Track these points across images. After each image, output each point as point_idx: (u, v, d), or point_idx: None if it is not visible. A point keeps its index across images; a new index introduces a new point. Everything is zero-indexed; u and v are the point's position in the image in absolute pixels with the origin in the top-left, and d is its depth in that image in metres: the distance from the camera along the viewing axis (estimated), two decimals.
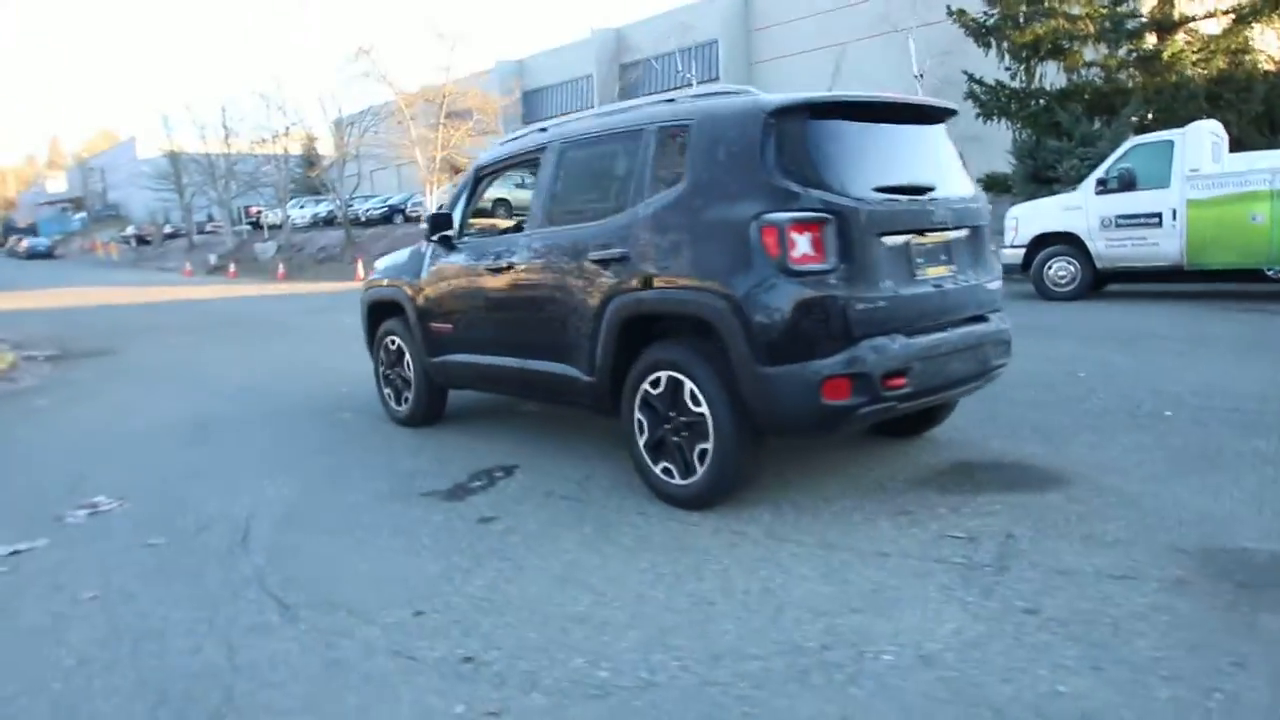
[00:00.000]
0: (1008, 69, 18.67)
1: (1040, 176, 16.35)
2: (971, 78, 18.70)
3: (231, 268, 32.47)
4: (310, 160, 41.25)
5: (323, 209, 37.74)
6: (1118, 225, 10.50)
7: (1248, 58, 15.09)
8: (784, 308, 3.37)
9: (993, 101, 17.93)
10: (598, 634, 2.75)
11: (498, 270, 4.66)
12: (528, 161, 4.81)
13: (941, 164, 4.02)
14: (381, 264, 6.11)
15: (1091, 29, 16.63)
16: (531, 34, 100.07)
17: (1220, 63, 15.01)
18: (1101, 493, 3.75)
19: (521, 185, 5.74)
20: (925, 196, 3.76)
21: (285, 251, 32.98)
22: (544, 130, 4.74)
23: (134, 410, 6.92)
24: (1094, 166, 14.95)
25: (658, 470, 3.89)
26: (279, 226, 36.41)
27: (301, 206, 38.76)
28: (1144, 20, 16.07)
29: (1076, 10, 16.65)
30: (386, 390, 5.88)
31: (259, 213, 40.45)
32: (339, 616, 2.97)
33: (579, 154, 4.40)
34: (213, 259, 36.52)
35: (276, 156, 35.09)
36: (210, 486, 4.62)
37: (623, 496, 4.05)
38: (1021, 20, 17.37)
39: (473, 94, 26.53)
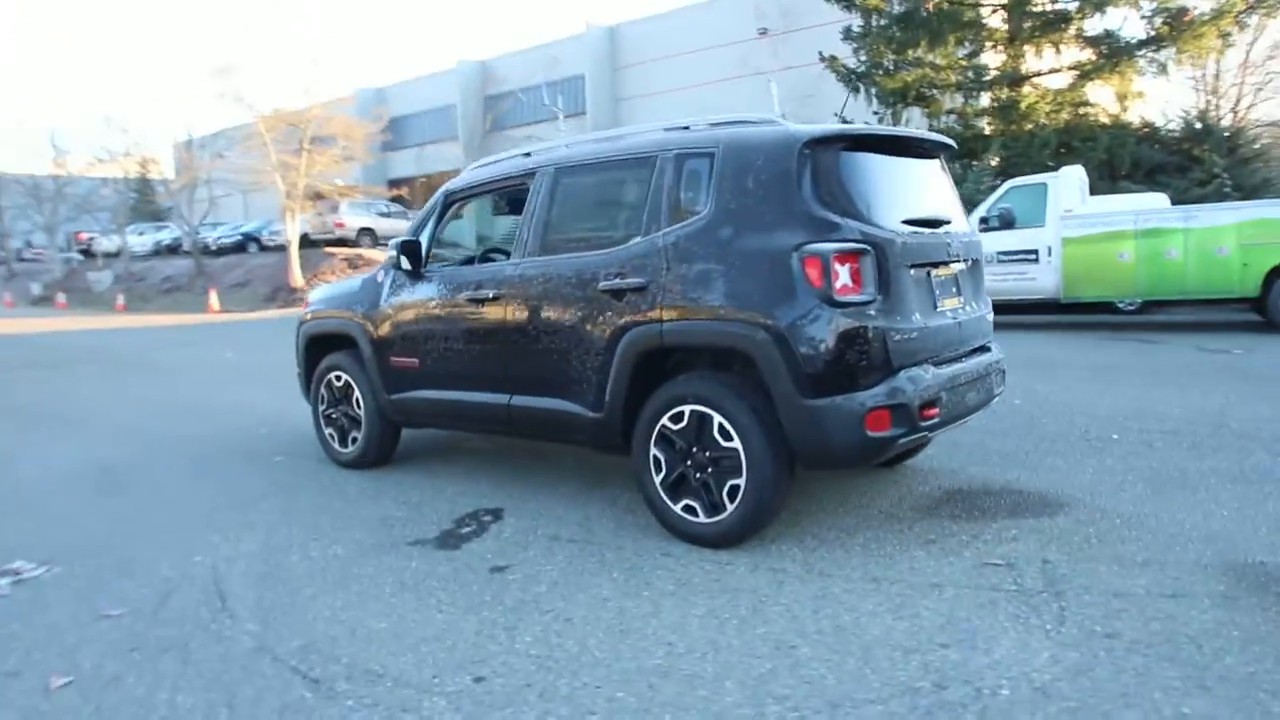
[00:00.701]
0: (875, 113, 19.79)
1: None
2: (844, 120, 19.66)
3: (60, 298, 29.64)
4: (150, 184, 38.41)
5: (165, 236, 35.15)
6: (999, 260, 11.21)
7: (1090, 110, 16.62)
8: (829, 339, 3.32)
9: None
10: (691, 688, 2.56)
11: (479, 301, 4.39)
12: (510, 188, 4.58)
13: (947, 197, 4.12)
14: (321, 293, 5.66)
15: (953, 79, 17.88)
16: (388, 63, 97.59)
17: (1066, 114, 16.46)
18: (1103, 515, 3.89)
19: (499, 212, 5.44)
20: (941, 229, 3.83)
21: (124, 281, 30.45)
22: (528, 155, 4.53)
23: (15, 458, 6.07)
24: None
25: (677, 509, 3.73)
26: (116, 254, 33.59)
27: (141, 233, 35.95)
28: (995, 73, 17.43)
29: (940, 61, 17.87)
30: (328, 431, 5.42)
31: (90, 239, 37.18)
32: (387, 688, 2.64)
33: (577, 180, 4.22)
34: (36, 288, 33.25)
35: (114, 180, 32.43)
36: (150, 543, 4.08)
37: (635, 537, 3.86)
38: (890, 68, 18.45)
39: (339, 119, 25.49)
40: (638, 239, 3.85)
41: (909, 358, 3.48)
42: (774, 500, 3.54)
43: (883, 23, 18.94)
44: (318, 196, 25.89)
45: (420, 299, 4.73)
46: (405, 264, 4.70)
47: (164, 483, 5.24)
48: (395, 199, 32.31)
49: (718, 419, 3.55)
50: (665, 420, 3.72)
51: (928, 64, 17.84)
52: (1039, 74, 17.90)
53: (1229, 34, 15.04)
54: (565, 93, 37.65)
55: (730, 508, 3.57)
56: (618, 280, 3.82)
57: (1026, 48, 17.03)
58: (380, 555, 3.80)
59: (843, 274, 3.33)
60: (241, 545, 4.01)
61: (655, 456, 3.77)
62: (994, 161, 16.28)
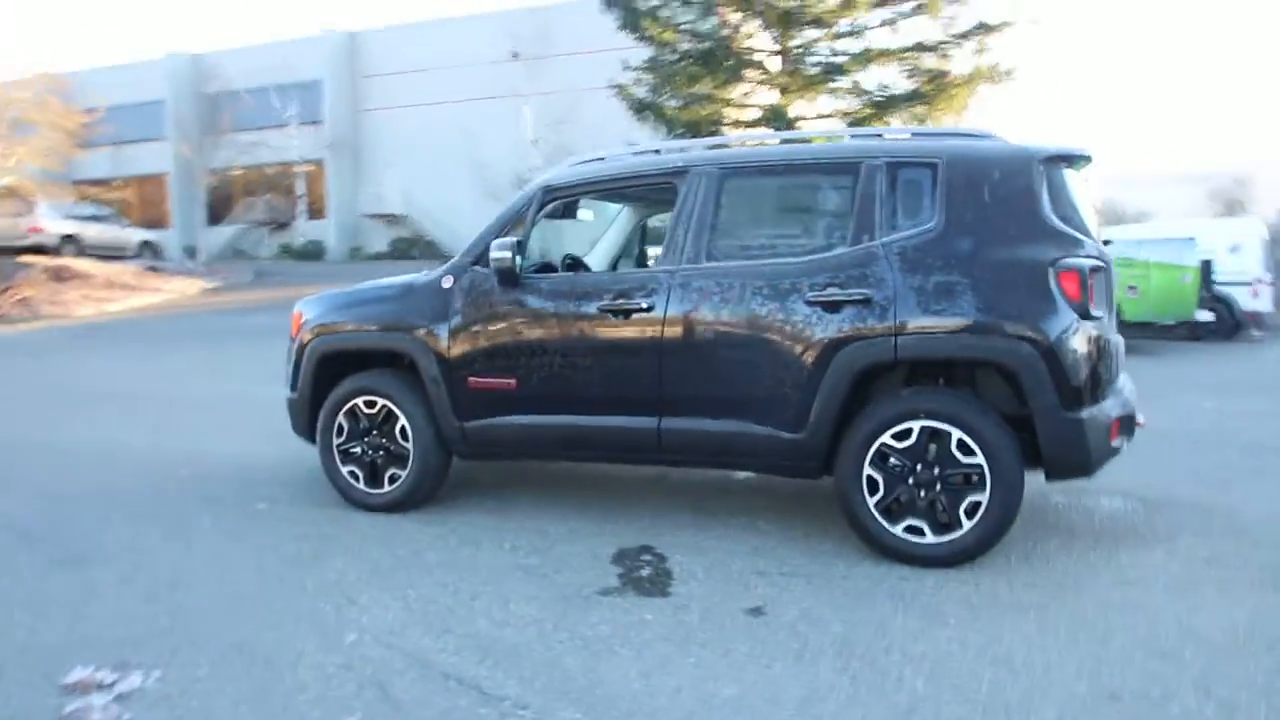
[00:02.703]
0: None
1: None
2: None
3: None
4: None
5: None
6: None
7: None
8: (1088, 352, 3.38)
9: None
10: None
11: (622, 312, 3.89)
12: (644, 186, 4.11)
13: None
14: (324, 304, 4.66)
15: (742, 117, 19.09)
16: (80, 46, 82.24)
17: None
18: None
19: (621, 213, 4.85)
20: (1106, 245, 4.05)
21: None
22: (662, 154, 4.11)
23: None
24: None
25: (897, 531, 3.55)
26: None
27: None
28: (773, 115, 18.88)
29: (730, 98, 19.01)
30: (348, 469, 4.47)
31: None
32: None
33: (751, 183, 3.89)
34: None
35: None
36: (248, 623, 3.10)
37: (849, 562, 3.60)
38: (683, 101, 19.24)
39: (52, 102, 21.42)
40: (843, 248, 3.65)
41: (1119, 371, 3.64)
42: (1015, 514, 3.50)
43: (673, 57, 19.71)
44: (10, 192, 21.49)
45: (521, 309, 4.09)
46: (503, 269, 4.04)
47: (156, 546, 4.01)
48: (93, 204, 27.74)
49: (957, 434, 3.45)
50: (886, 439, 3.54)
51: (721, 100, 18.85)
52: (806, 118, 19.64)
53: (973, 94, 17.58)
54: (301, 98, 34.87)
55: (967, 525, 3.46)
56: (834, 292, 3.57)
57: (808, 93, 18.61)
58: (586, 610, 3.20)
59: (1095, 289, 3.41)
60: (384, 615, 3.18)
61: (870, 477, 3.57)
62: None
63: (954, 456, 3.46)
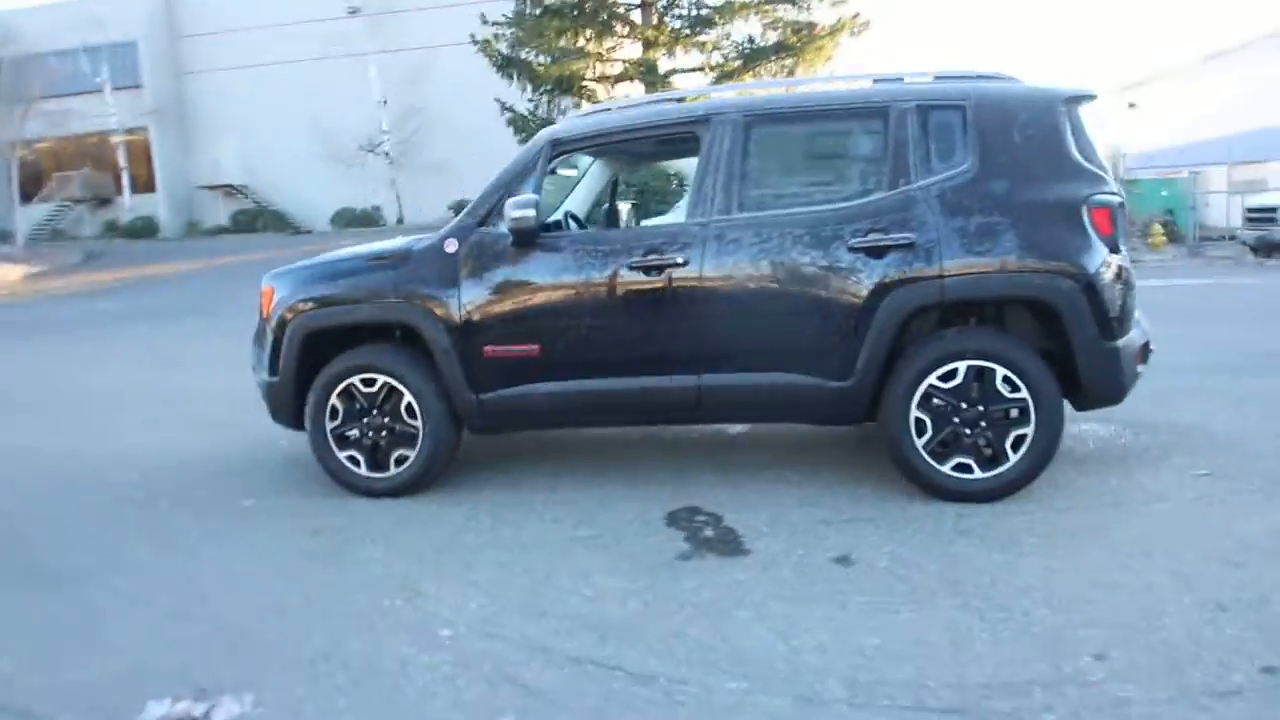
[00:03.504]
0: (530, 100, 20.02)
1: None
2: (504, 106, 19.61)
3: None
4: None
5: None
6: None
7: None
8: (1120, 284, 3.54)
9: (530, 132, 19.06)
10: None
11: (654, 268, 3.73)
12: (663, 137, 3.93)
13: None
14: (302, 275, 4.22)
15: (610, 71, 18.85)
16: None
17: None
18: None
19: (632, 165, 4.57)
20: None
21: None
22: (683, 100, 3.94)
23: None
24: (640, 192, 17.10)
25: (946, 469, 3.63)
26: None
27: None
28: (651, 69, 18.78)
29: (600, 52, 18.73)
30: (345, 454, 4.12)
31: None
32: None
33: (778, 130, 3.79)
34: None
35: None
36: (336, 632, 2.81)
37: (898, 504, 3.65)
38: (553, 57, 18.80)
39: None
40: (880, 193, 3.64)
41: None
42: (1058, 445, 3.64)
43: (538, 10, 19.17)
44: None
45: (540, 270, 3.86)
46: (523, 229, 3.79)
47: (148, 560, 3.55)
48: None
49: (1001, 371, 3.54)
50: (932, 380, 3.60)
51: (592, 54, 18.55)
52: (678, 71, 19.67)
53: (838, 45, 18.13)
54: (113, 61, 31.70)
55: (1014, 458, 3.58)
56: (877, 237, 3.57)
57: (676, 47, 18.60)
58: (675, 577, 3.09)
59: (1121, 224, 3.57)
60: (465, 604, 2.96)
61: (918, 419, 3.63)
62: None
63: (999, 393, 3.55)
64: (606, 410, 3.99)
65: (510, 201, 3.78)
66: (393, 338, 4.21)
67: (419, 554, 3.44)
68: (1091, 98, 3.81)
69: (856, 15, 18.45)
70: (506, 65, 19.64)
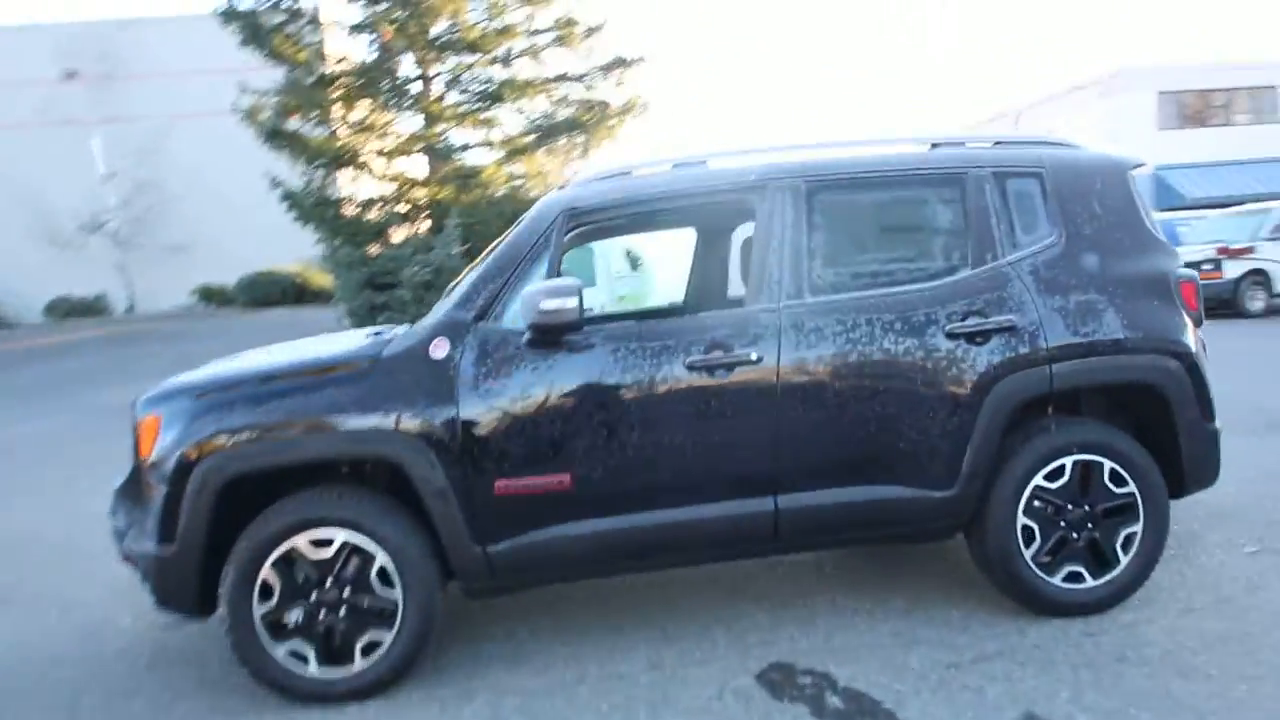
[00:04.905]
0: (304, 174, 18.32)
1: (376, 283, 16.54)
2: (276, 182, 17.79)
3: None
4: None
5: None
6: None
7: (527, 184, 18.18)
8: (1206, 362, 3.30)
9: (306, 209, 17.38)
10: None
11: (719, 367, 2.98)
12: (703, 206, 3.19)
13: None
14: (222, 394, 2.97)
15: (391, 145, 17.72)
16: None
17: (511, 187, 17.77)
18: None
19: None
20: None
21: None
22: (703, 164, 3.26)
23: None
24: (436, 272, 16.08)
25: (1057, 581, 3.16)
26: None
27: None
28: (441, 142, 17.85)
29: (377, 123, 17.55)
30: (284, 648, 2.91)
31: None
32: None
33: (846, 198, 3.20)
34: None
35: None
36: None
37: (1014, 628, 3.11)
38: (328, 129, 17.35)
39: None
40: (966, 269, 3.18)
41: None
42: (1166, 540, 3.28)
43: (309, 79, 17.69)
44: None
45: (569, 375, 2.96)
46: (558, 324, 2.89)
47: None
48: None
49: (1108, 465, 3.16)
50: (1039, 480, 3.14)
51: (370, 126, 17.35)
52: (469, 147, 18.91)
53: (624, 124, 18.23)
54: None
55: (1125, 560, 3.19)
56: (976, 320, 3.07)
57: (466, 121, 17.87)
58: None
59: (1201, 298, 3.36)
60: None
61: (1025, 526, 3.14)
62: (456, 226, 16.62)
63: (1107, 489, 3.17)
64: (660, 551, 3.10)
65: (537, 289, 2.88)
66: (344, 477, 3.10)
67: None
68: (1142, 165, 3.63)
69: (637, 96, 18.75)
70: (275, 137, 17.84)
